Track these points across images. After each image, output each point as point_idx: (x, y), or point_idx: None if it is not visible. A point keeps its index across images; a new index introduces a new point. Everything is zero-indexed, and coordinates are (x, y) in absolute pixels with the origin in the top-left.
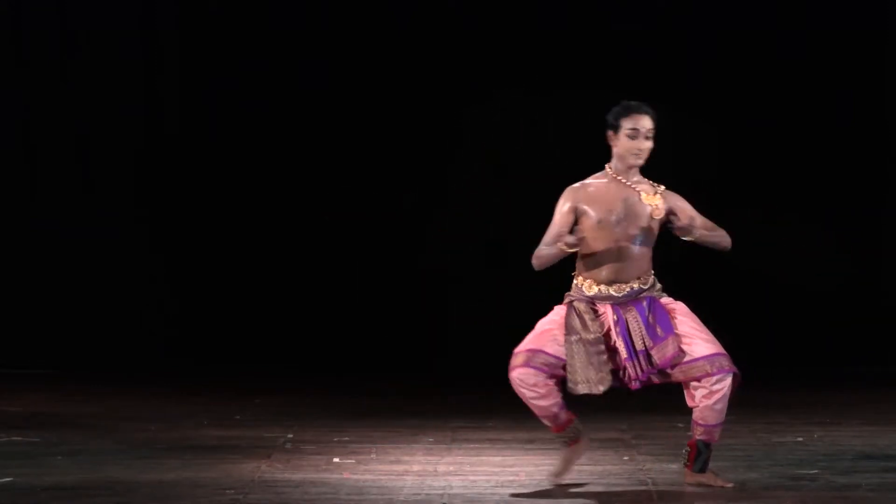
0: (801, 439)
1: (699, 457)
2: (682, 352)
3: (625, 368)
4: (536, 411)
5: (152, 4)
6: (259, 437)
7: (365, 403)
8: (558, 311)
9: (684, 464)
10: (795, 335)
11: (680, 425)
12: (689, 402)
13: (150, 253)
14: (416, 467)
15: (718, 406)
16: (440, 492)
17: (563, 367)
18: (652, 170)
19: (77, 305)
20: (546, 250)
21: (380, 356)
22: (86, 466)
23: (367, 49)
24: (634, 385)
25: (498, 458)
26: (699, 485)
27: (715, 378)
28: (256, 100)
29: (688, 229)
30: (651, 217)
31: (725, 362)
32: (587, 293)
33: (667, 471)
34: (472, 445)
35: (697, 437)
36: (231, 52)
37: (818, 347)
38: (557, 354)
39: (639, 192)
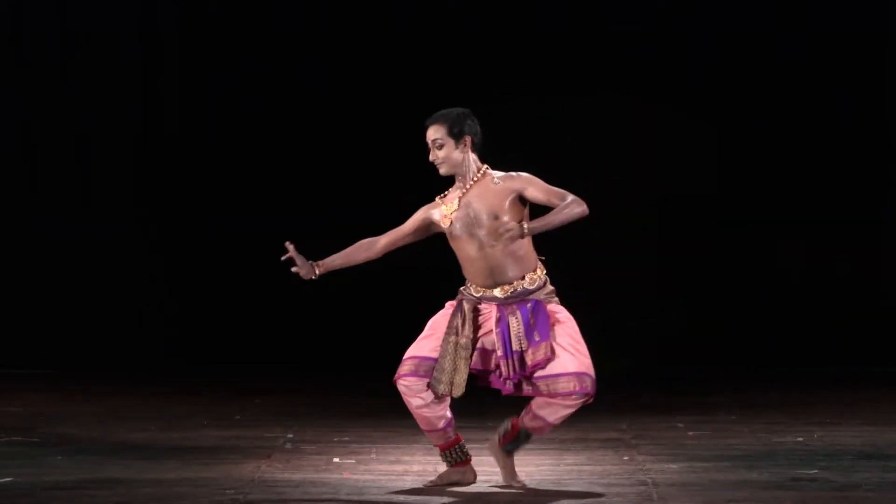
0: (801, 439)
1: (516, 441)
2: (553, 358)
3: (498, 366)
4: (420, 422)
5: (152, 4)
6: (259, 437)
7: (365, 403)
8: (448, 307)
9: (498, 437)
10: (795, 335)
11: (680, 425)
12: (536, 396)
13: (150, 253)
14: (416, 467)
15: (561, 413)
16: (439, 491)
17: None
18: (651, 170)
19: (77, 305)
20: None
21: (380, 356)
22: (86, 466)
23: (368, 48)
24: (507, 387)
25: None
26: (498, 463)
27: (574, 396)
28: (256, 100)
29: (512, 235)
30: (485, 218)
31: (589, 385)
32: (475, 294)
33: (667, 471)
34: (471, 446)
35: (525, 424)
36: (231, 52)
37: (818, 347)
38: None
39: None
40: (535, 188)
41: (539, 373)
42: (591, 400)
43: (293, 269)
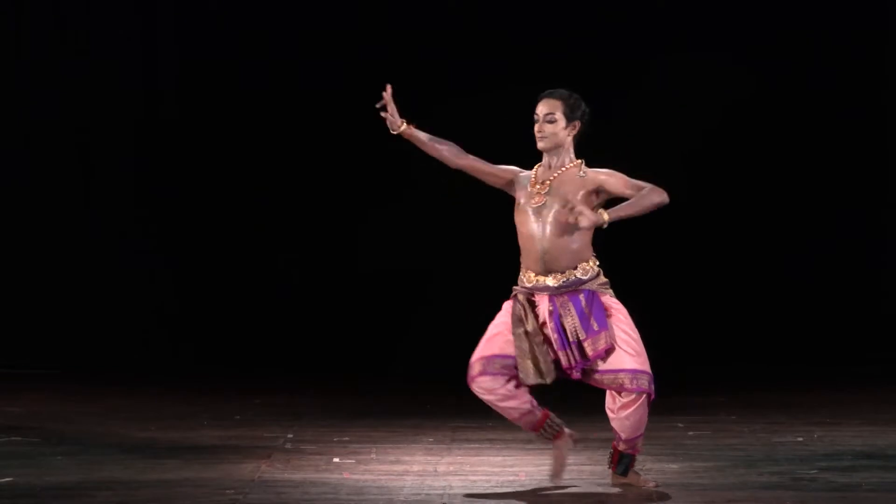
0: (801, 439)
1: (621, 461)
2: (613, 349)
3: (559, 358)
4: (508, 415)
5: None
6: (259, 437)
7: (365, 403)
8: (506, 308)
9: (608, 465)
10: (795, 335)
11: (680, 425)
12: (610, 415)
13: (150, 253)
14: (416, 467)
15: (630, 420)
16: (440, 492)
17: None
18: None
19: (77, 305)
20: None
21: (379, 356)
22: (86, 466)
23: (364, 42)
24: (575, 374)
25: (498, 458)
26: (623, 485)
27: (631, 394)
28: (257, 99)
29: (590, 219)
30: (572, 204)
31: (645, 382)
32: (527, 284)
33: (667, 471)
34: (472, 445)
35: (620, 448)
36: (231, 51)
37: (818, 347)
38: (511, 354)
39: (557, 178)
40: (615, 179)
41: (597, 365)
42: (652, 397)
43: (382, 115)
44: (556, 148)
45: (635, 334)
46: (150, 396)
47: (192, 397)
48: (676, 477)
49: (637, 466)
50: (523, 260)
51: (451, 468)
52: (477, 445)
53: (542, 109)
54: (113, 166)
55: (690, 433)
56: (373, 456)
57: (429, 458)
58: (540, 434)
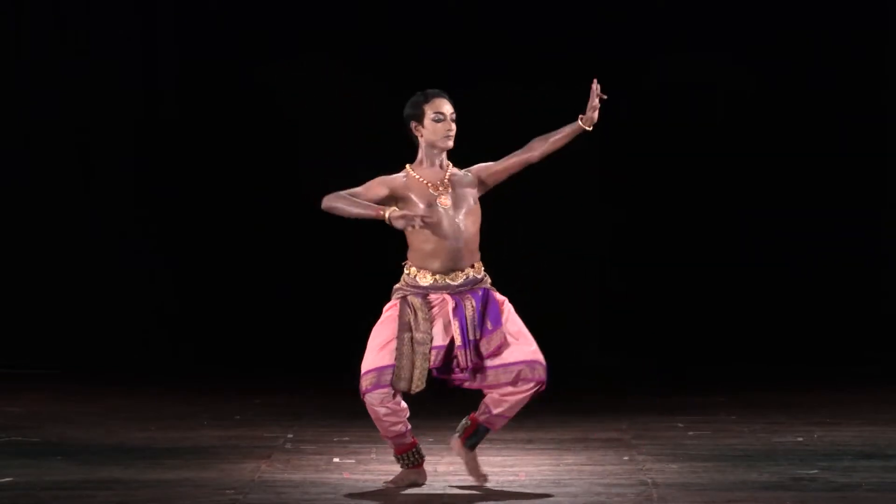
0: (801, 439)
1: (476, 434)
2: (506, 346)
3: (456, 357)
4: (385, 430)
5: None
6: (259, 437)
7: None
8: (392, 312)
9: (458, 435)
10: (795, 335)
11: (680, 425)
12: (488, 394)
13: (150, 253)
14: None
15: (510, 402)
16: (440, 492)
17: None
18: (651, 168)
19: (77, 305)
20: (353, 208)
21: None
22: (86, 466)
23: (364, 41)
24: (467, 380)
25: (498, 458)
26: (462, 460)
27: (528, 384)
28: (257, 99)
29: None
30: (472, 201)
31: (541, 372)
32: (422, 283)
33: (667, 471)
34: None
35: (481, 420)
36: (231, 51)
37: (818, 347)
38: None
39: (450, 176)
40: (490, 165)
41: (491, 362)
42: (543, 387)
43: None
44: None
45: (523, 326)
46: (150, 396)
47: (192, 397)
48: (676, 477)
49: (637, 466)
50: (418, 259)
51: (451, 468)
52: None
53: (448, 109)
54: (113, 166)
55: (690, 433)
56: (373, 456)
57: (429, 458)
58: (402, 458)
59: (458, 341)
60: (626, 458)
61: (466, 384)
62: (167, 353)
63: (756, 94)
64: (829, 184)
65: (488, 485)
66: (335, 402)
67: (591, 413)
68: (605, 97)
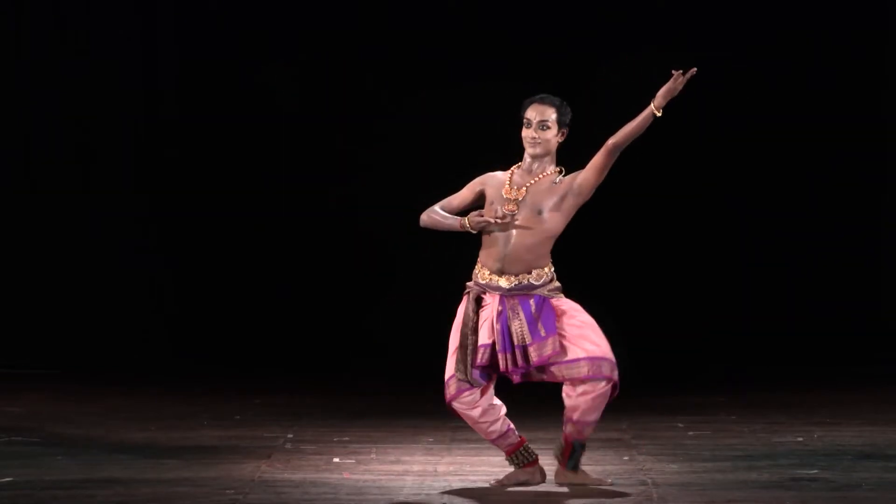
0: (801, 439)
1: (573, 455)
2: (562, 351)
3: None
4: (486, 434)
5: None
6: (259, 437)
7: (365, 403)
8: (459, 310)
9: (557, 459)
10: (796, 335)
11: (680, 425)
12: (566, 399)
13: (149, 252)
14: (416, 467)
15: (585, 400)
16: (440, 492)
17: (490, 376)
18: (651, 168)
19: (77, 305)
20: (440, 226)
21: (379, 356)
22: (86, 466)
23: (364, 42)
24: (515, 378)
25: (498, 458)
26: (572, 484)
27: (591, 381)
28: (257, 99)
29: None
30: (539, 210)
31: (607, 368)
32: (480, 281)
33: (667, 471)
34: (472, 445)
35: (570, 435)
36: (231, 51)
37: (818, 347)
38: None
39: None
40: (585, 171)
41: (555, 360)
42: (613, 385)
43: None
44: (546, 155)
45: (591, 324)
46: (150, 396)
47: (192, 397)
48: (676, 477)
49: (637, 466)
50: (482, 256)
51: (451, 468)
52: (477, 445)
53: (534, 115)
54: (113, 166)
55: (690, 433)
56: (373, 456)
57: (429, 458)
58: (511, 458)
59: (498, 345)
60: (626, 458)
61: (534, 378)
62: (167, 353)
63: (756, 94)
64: (830, 184)
65: (488, 485)
66: (335, 402)
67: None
68: (693, 72)
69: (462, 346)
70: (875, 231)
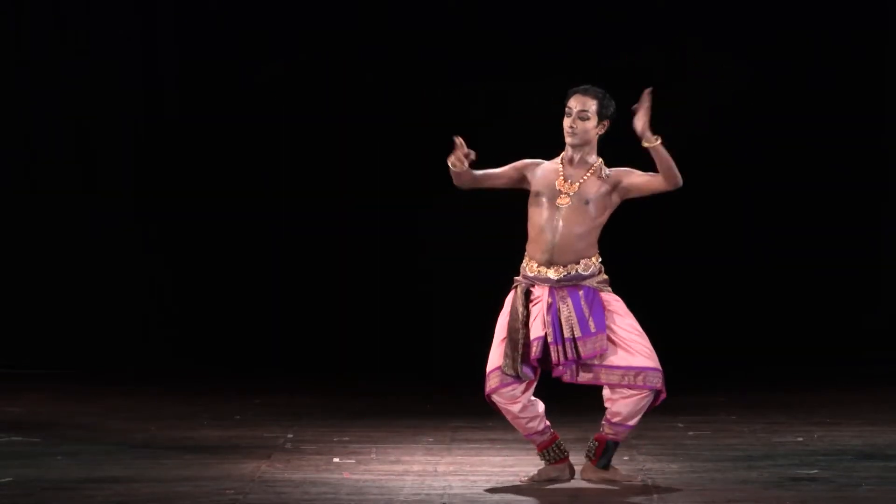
0: (801, 439)
1: (605, 453)
2: (611, 353)
3: (549, 353)
4: (523, 429)
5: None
6: (259, 437)
7: (365, 403)
8: (508, 303)
9: (588, 457)
10: (796, 335)
11: (680, 425)
12: (607, 403)
13: (149, 253)
14: (416, 467)
15: (627, 404)
16: (440, 492)
17: (535, 371)
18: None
19: (77, 305)
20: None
21: (379, 356)
22: (86, 466)
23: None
24: (559, 372)
25: (498, 458)
26: (602, 480)
27: (637, 389)
28: (256, 99)
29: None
30: (586, 200)
31: (654, 379)
32: (529, 274)
33: (667, 471)
34: (472, 445)
35: (608, 436)
36: (231, 51)
37: (818, 347)
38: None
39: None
40: (635, 174)
41: (597, 361)
42: (658, 393)
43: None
44: (585, 145)
45: (639, 331)
46: (150, 396)
47: (192, 397)
48: (676, 477)
49: (637, 466)
50: (529, 249)
51: (451, 468)
52: (477, 445)
53: (575, 105)
54: (113, 166)
55: (690, 433)
56: (373, 456)
57: (429, 458)
58: (543, 454)
59: (550, 337)
60: (626, 458)
61: (579, 379)
62: (167, 353)
63: (756, 93)
64: (830, 184)
65: (488, 485)
66: (335, 402)
67: (590, 413)
68: (649, 92)
69: (511, 340)
70: (875, 231)
